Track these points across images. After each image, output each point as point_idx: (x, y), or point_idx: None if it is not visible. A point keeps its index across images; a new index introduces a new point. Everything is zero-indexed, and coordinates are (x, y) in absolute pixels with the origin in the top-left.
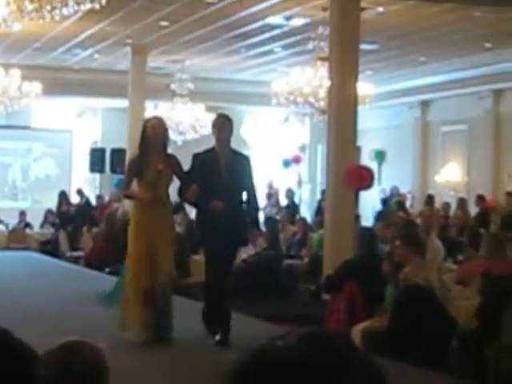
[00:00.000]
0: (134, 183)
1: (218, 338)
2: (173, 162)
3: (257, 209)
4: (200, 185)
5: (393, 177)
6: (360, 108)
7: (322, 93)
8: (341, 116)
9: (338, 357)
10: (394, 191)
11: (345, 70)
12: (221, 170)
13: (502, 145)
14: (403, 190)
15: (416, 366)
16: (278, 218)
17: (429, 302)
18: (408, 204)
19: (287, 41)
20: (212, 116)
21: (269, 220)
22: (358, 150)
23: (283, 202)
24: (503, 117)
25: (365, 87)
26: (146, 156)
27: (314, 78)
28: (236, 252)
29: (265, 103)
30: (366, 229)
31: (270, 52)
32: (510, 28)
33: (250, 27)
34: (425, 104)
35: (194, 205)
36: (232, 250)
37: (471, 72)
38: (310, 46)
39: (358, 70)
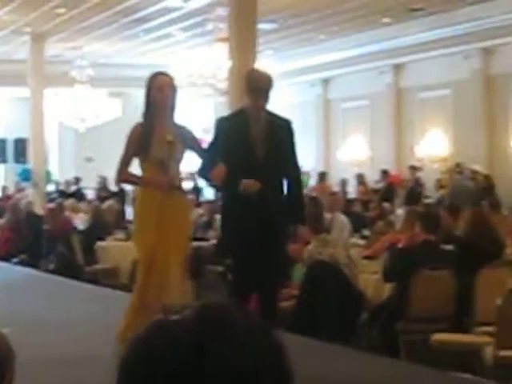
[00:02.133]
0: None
1: None
2: (185, 134)
3: (301, 195)
4: (225, 161)
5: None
6: None
7: (223, 74)
8: (241, 96)
9: (232, 326)
10: None
11: (244, 50)
12: (253, 139)
13: (403, 119)
14: (307, 167)
15: (326, 341)
16: None
17: (334, 278)
18: (313, 181)
19: (186, 23)
20: (114, 101)
21: None
22: None
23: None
24: (404, 91)
25: (267, 66)
26: (152, 125)
27: (214, 59)
28: (281, 249)
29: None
30: None
31: (170, 35)
32: (408, 2)
33: (147, 11)
34: (326, 81)
35: (218, 187)
36: (275, 245)
37: (371, 47)
38: (209, 27)
39: (256, 50)
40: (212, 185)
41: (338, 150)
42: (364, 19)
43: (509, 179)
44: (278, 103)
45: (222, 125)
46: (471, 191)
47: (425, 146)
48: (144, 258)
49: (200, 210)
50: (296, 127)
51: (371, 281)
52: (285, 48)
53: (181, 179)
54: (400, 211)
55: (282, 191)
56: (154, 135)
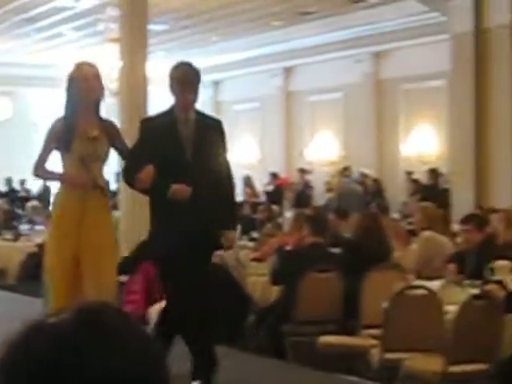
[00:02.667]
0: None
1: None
2: (110, 129)
3: (232, 198)
4: (152, 163)
5: None
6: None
7: (114, 74)
8: (132, 97)
9: (111, 328)
10: None
11: (135, 50)
12: (182, 141)
13: (294, 122)
14: None
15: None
16: None
17: (223, 280)
18: None
19: (77, 23)
20: (4, 100)
21: None
22: None
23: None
24: (294, 94)
25: (158, 67)
26: (74, 119)
27: (105, 60)
28: (210, 259)
29: (56, 86)
30: None
31: (61, 34)
32: (298, 6)
33: (38, 10)
34: (217, 83)
35: (145, 191)
36: (205, 256)
37: (262, 50)
38: (101, 27)
39: (147, 51)
40: (138, 188)
41: (228, 152)
42: (255, 22)
43: (397, 183)
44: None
45: (147, 126)
46: (358, 195)
47: (315, 149)
48: (59, 268)
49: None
50: None
51: (259, 283)
52: (176, 49)
53: (104, 179)
54: (289, 214)
55: (214, 196)
56: (76, 130)
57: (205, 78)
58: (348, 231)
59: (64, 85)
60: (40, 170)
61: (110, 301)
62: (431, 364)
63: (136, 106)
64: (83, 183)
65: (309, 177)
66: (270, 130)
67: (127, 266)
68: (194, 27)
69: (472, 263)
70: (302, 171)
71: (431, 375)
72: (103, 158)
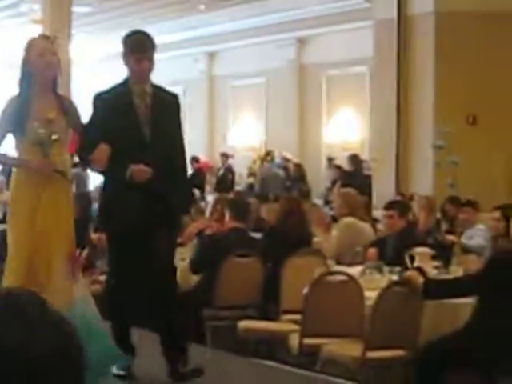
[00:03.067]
0: (8, 143)
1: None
2: (68, 107)
3: (188, 180)
4: (108, 141)
5: None
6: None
7: None
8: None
9: (26, 312)
10: None
11: (58, 32)
12: (139, 116)
13: (217, 106)
14: None
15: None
16: None
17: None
18: None
19: (0, 4)
20: None
21: None
22: None
23: None
24: (217, 78)
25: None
26: (29, 98)
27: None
28: (174, 241)
29: None
30: (84, 192)
31: None
32: None
33: None
34: None
35: (101, 172)
36: (167, 238)
37: (185, 34)
38: (24, 8)
39: (71, 33)
40: (94, 169)
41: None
42: (179, 5)
43: (319, 168)
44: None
45: (101, 100)
46: (281, 179)
47: (237, 133)
48: (18, 258)
49: None
50: None
51: (180, 267)
52: (100, 32)
53: (66, 161)
54: (210, 198)
55: (171, 177)
56: (31, 110)
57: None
58: (269, 216)
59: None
60: None
61: (59, 289)
62: (350, 349)
63: (59, 90)
64: (40, 168)
65: (231, 161)
66: (192, 114)
67: None
68: (118, 10)
69: (392, 249)
70: (225, 156)
71: (350, 360)
72: (62, 140)
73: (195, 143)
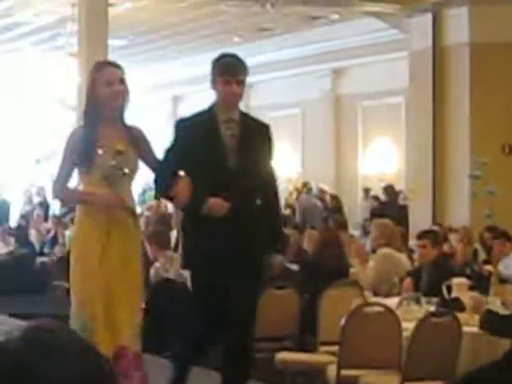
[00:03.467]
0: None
1: None
2: (138, 138)
3: (278, 215)
4: (188, 173)
5: None
6: None
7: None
8: None
9: (61, 349)
10: None
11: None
12: (225, 146)
13: None
14: None
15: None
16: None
17: (181, 294)
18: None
19: (37, 37)
20: None
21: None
22: None
23: (36, 199)
24: (253, 109)
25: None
26: (96, 129)
27: (65, 75)
28: (257, 291)
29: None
30: None
31: (21, 49)
32: (258, 22)
33: None
34: (176, 98)
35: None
36: (250, 287)
37: None
38: (61, 42)
39: None
40: (173, 203)
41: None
42: (215, 38)
43: (355, 199)
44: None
45: (183, 127)
46: (319, 210)
47: (274, 165)
48: (90, 312)
49: (47, 225)
50: None
51: None
52: (136, 64)
53: (133, 199)
54: None
55: (259, 212)
56: (98, 142)
57: (165, 94)
58: (309, 247)
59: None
60: (63, 192)
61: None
62: (388, 381)
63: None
64: (109, 202)
65: None
66: None
67: None
68: (154, 42)
69: (427, 280)
70: None
71: None
72: (132, 175)
73: None
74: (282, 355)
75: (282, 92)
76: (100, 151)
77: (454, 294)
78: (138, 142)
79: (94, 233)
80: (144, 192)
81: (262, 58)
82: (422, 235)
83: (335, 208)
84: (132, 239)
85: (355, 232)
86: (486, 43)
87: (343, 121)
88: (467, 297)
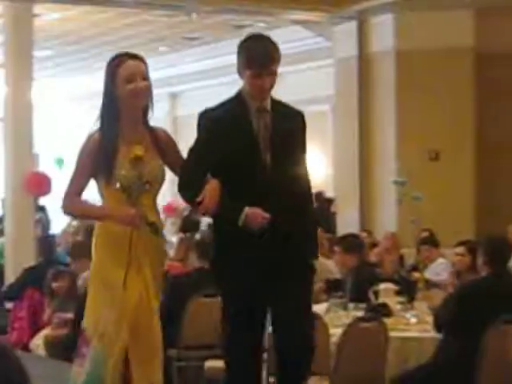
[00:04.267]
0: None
1: None
2: (163, 142)
3: (315, 217)
4: (217, 172)
5: None
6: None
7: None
8: (17, 123)
9: None
10: None
11: (19, 76)
12: (258, 139)
13: (180, 146)
14: None
15: None
16: None
17: None
18: None
19: None
20: None
21: None
22: (36, 156)
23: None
24: (180, 118)
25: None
26: (115, 133)
27: None
28: (308, 301)
29: None
30: (46, 236)
31: None
32: (184, 32)
33: None
34: None
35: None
36: (299, 295)
37: (151, 75)
38: None
39: (32, 77)
40: (202, 213)
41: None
42: (141, 47)
43: None
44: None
45: (209, 120)
46: None
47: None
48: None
49: None
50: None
51: None
52: (63, 75)
53: (158, 212)
54: (174, 239)
55: (298, 213)
56: (117, 149)
57: (89, 103)
58: None
59: None
60: (74, 205)
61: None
62: None
63: (21, 134)
64: (128, 221)
65: None
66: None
67: (13, 292)
68: (81, 53)
69: (353, 286)
70: None
71: None
72: (155, 185)
73: None
74: (212, 363)
75: (209, 101)
76: (119, 160)
77: (381, 300)
78: (163, 147)
79: (116, 254)
80: None
81: (188, 68)
82: (338, 241)
83: None
84: (155, 257)
85: None
86: (411, 50)
87: None
88: (394, 302)
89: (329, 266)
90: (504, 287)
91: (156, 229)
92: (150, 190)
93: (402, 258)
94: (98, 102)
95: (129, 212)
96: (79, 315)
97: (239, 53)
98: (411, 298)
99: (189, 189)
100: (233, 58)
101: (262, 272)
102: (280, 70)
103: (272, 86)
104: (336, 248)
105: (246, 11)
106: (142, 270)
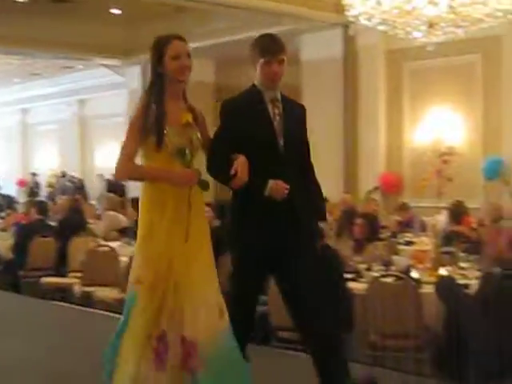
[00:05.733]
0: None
1: None
2: (199, 116)
3: (318, 184)
4: (242, 153)
5: None
6: None
7: None
8: None
9: None
10: None
11: None
12: (274, 125)
13: (29, 146)
14: None
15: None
16: None
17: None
18: None
19: None
20: None
21: None
22: None
23: None
24: (29, 126)
25: None
26: (164, 104)
27: None
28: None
29: None
30: None
31: None
32: (31, 69)
33: None
34: None
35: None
36: (309, 259)
37: (6, 98)
38: None
39: None
40: (232, 186)
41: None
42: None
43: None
44: None
45: (231, 107)
46: (68, 188)
47: (41, 159)
48: (147, 288)
49: None
50: None
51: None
52: None
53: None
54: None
55: (306, 187)
56: (167, 117)
57: None
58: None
59: None
60: (129, 169)
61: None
62: (110, 293)
63: None
64: (187, 180)
65: (38, 178)
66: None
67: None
68: None
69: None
70: (33, 174)
71: (111, 301)
72: (198, 149)
73: (14, 168)
74: (46, 279)
75: (45, 115)
76: (169, 128)
77: None
78: (199, 124)
79: (168, 216)
80: None
81: (35, 92)
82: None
83: (81, 187)
84: (202, 221)
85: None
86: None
87: (86, 135)
88: None
89: (120, 217)
90: None
91: (206, 184)
92: (198, 151)
93: None
94: None
95: (189, 172)
96: None
97: (253, 46)
98: None
99: (217, 168)
100: (64, 87)
101: (274, 232)
102: (94, 95)
103: (281, 75)
104: None
105: (70, 56)
106: (198, 224)
